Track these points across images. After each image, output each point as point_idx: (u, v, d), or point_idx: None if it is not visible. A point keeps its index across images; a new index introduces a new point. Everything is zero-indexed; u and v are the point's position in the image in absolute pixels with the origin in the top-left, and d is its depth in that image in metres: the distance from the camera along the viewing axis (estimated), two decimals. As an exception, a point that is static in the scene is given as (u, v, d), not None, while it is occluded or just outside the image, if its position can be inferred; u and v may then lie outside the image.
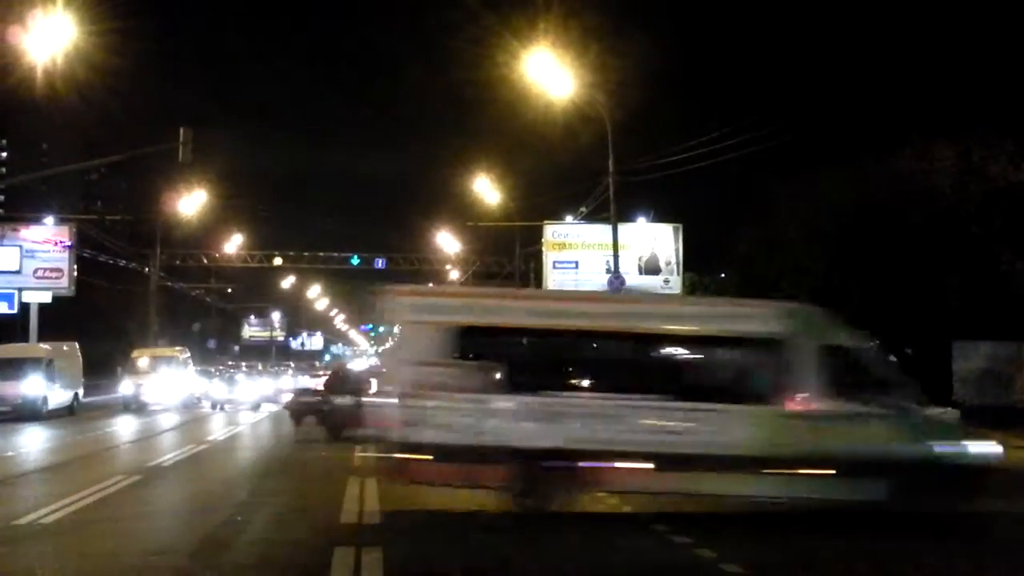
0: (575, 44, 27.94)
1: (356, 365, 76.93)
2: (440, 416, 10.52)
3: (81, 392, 31.95)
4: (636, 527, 10.20)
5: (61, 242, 38.97)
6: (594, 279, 36.06)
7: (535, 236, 41.93)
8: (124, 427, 24.76)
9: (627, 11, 64.09)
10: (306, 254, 57.83)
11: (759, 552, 9.00)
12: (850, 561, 8.80)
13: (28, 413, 27.02)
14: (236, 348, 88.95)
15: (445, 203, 64.18)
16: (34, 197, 76.30)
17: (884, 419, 10.72)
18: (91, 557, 8.42)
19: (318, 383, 28.02)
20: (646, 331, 11.18)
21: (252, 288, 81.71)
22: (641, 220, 39.48)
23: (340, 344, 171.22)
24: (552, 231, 38.38)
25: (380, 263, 56.97)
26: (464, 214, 50.84)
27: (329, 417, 20.90)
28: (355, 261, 56.76)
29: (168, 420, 27.22)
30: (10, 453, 17.19)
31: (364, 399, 16.84)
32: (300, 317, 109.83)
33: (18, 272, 38.18)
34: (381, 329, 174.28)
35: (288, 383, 45.62)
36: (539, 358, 11.54)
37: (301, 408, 22.00)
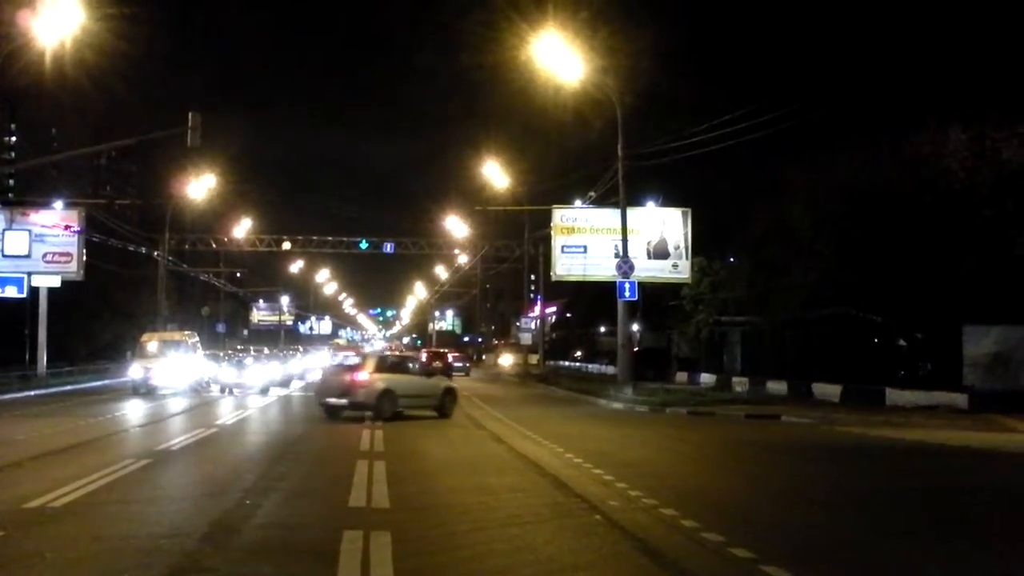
0: (584, 27, 27.85)
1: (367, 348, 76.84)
2: None
3: None
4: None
5: (70, 227, 38.99)
6: (603, 263, 35.95)
7: (544, 220, 41.86)
8: (133, 411, 24.79)
9: (637, -6, 63.68)
10: (314, 238, 57.92)
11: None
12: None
13: None
14: (245, 332, 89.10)
15: (454, 188, 64.31)
16: (43, 181, 76.45)
17: None
18: (101, 540, 8.42)
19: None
20: None
21: (261, 272, 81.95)
22: (650, 204, 39.33)
23: (349, 328, 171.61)
24: (561, 215, 38.23)
25: (389, 247, 57.03)
26: (473, 198, 50.89)
27: None
28: (363, 245, 56.79)
29: (177, 404, 27.25)
30: (20, 437, 17.21)
31: None
32: (309, 301, 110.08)
33: (27, 256, 38.19)
34: (389, 313, 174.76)
35: (296, 367, 45.54)
36: None
37: None
